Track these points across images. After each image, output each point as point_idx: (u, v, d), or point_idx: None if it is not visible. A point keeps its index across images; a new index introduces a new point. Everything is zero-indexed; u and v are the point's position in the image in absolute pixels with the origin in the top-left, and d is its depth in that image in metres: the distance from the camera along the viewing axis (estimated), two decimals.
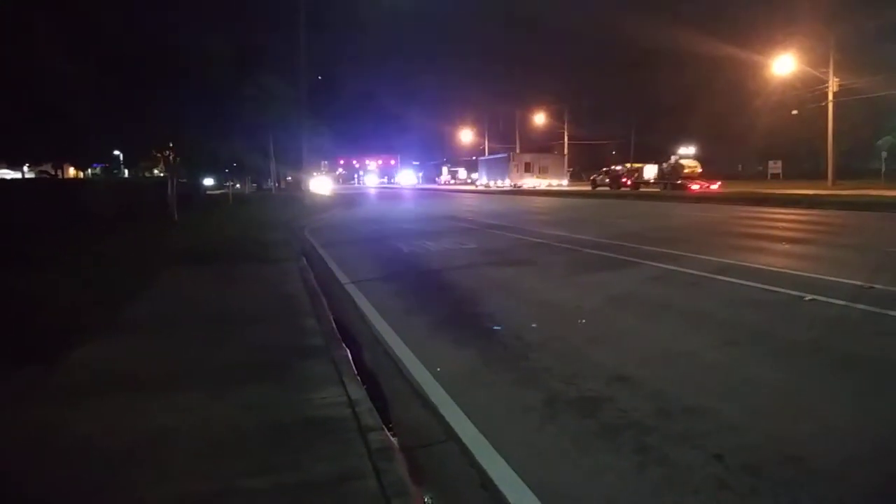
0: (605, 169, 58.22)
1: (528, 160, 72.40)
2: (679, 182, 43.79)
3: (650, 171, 50.46)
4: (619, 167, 56.61)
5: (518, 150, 77.91)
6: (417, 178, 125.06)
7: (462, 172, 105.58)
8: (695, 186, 41.38)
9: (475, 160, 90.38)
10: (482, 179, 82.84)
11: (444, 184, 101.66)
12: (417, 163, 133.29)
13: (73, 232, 16.06)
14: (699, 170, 45.32)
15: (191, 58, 17.64)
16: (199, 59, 17.98)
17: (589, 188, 55.94)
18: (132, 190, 30.46)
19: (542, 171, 70.35)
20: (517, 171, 71.61)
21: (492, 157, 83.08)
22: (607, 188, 52.77)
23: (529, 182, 67.83)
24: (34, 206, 17.90)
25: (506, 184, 71.98)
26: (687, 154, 49.77)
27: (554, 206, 33.22)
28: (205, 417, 4.28)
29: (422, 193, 61.68)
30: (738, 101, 58.14)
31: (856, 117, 43.55)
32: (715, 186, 40.88)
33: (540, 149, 77.39)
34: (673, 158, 47.93)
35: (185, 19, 17.63)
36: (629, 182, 51.37)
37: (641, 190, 47.54)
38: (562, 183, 69.15)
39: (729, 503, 3.22)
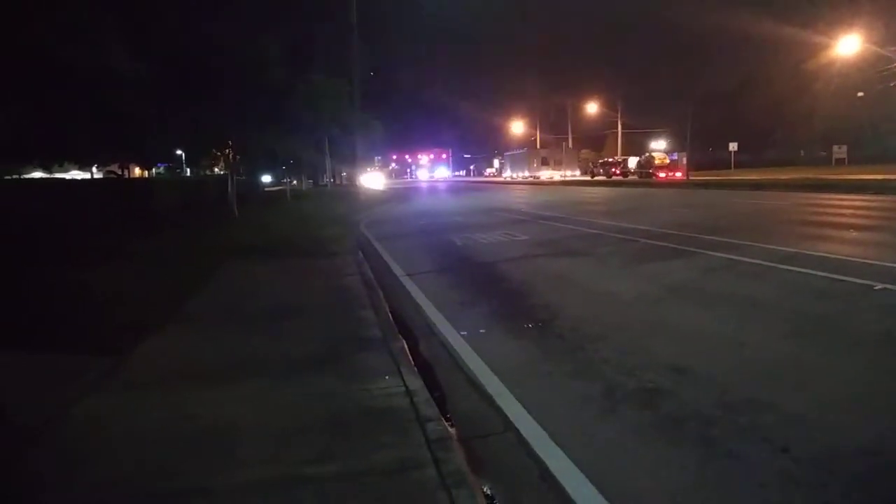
0: (601, 161, 70.38)
1: (544, 155, 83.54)
2: (650, 171, 54.30)
3: (633, 163, 60.18)
4: (610, 160, 67.96)
5: (570, 143, 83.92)
6: (450, 171, 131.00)
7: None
8: (662, 175, 52.24)
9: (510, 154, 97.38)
10: (507, 171, 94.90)
11: (489, 176, 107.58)
12: (469, 156, 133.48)
13: (139, 228, 16.67)
14: (667, 161, 55.55)
15: (248, 58, 18.01)
16: (255, 58, 18.35)
17: (588, 178, 66.43)
18: (194, 187, 31.41)
19: (557, 164, 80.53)
20: (535, 164, 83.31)
21: (515, 152, 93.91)
22: (603, 177, 62.24)
23: (545, 174, 78.46)
24: (103, 204, 18.65)
25: (525, 175, 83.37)
26: (658, 148, 62.67)
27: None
28: (268, 407, 4.40)
29: (462, 186, 64.73)
30: (798, 84, 56.06)
31: None
32: (679, 175, 49.60)
33: (590, 138, 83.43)
34: (647, 153, 59.26)
35: (241, 19, 17.98)
36: (618, 172, 61.66)
37: (626, 178, 57.19)
38: (575, 173, 77.26)
39: (798, 498, 3.13)
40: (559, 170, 78.72)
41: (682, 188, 36.27)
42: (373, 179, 69.45)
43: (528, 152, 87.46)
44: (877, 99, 43.57)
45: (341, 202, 31.84)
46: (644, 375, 4.87)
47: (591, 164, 74.00)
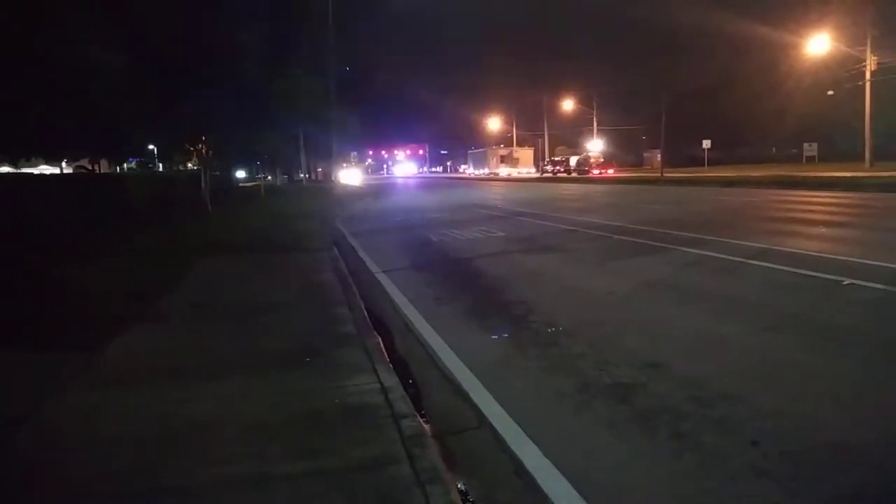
0: (549, 159, 76.73)
1: (503, 153, 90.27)
2: (587, 168, 62.22)
3: (573, 161, 67.16)
4: (556, 158, 74.98)
5: (546, 139, 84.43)
6: (425, 167, 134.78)
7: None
8: (596, 171, 59.48)
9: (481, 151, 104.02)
10: (470, 169, 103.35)
11: (461, 173, 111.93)
12: (446, 152, 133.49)
13: (111, 224, 16.41)
14: (601, 160, 64.36)
15: (222, 52, 17.82)
16: (230, 53, 18.15)
17: (534, 174, 74.80)
18: (166, 183, 30.94)
19: (514, 162, 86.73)
20: (494, 162, 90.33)
21: (477, 150, 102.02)
22: (550, 174, 68.47)
23: (504, 171, 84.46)
24: (73, 200, 18.29)
25: (486, 172, 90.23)
26: (594, 149, 70.24)
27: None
28: (241, 404, 4.36)
29: (432, 182, 66.71)
30: (771, 82, 56.87)
31: (894, 97, 42.16)
32: (610, 172, 58.88)
33: (569, 136, 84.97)
34: (585, 153, 67.59)
35: (215, 13, 17.77)
36: (562, 169, 67.95)
37: (568, 175, 63.30)
38: (531, 171, 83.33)
39: (767, 490, 3.17)
40: (516, 167, 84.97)
41: (657, 185, 36.59)
42: (350, 175, 69.35)
43: (487, 151, 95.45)
44: (846, 97, 44.27)
45: (317, 198, 31.65)
46: (618, 370, 4.91)
47: (541, 162, 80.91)
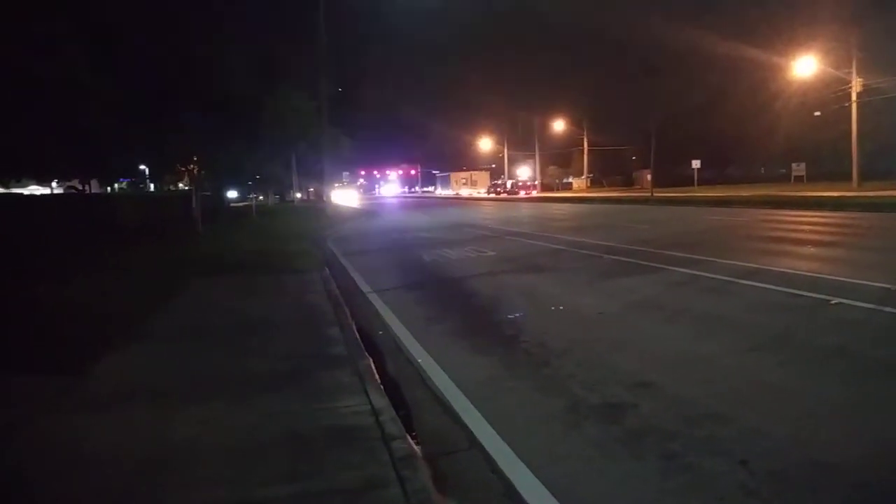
0: (495, 182, 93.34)
1: (464, 177, 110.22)
2: (516, 190, 79.04)
3: (509, 184, 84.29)
4: (498, 182, 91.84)
5: (537, 159, 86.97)
6: (412, 189, 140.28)
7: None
8: (522, 192, 76.06)
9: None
10: (438, 189, 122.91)
11: (431, 193, 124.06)
12: (437, 172, 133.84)
13: (101, 245, 16.36)
14: (527, 183, 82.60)
15: (214, 73, 17.89)
16: (222, 74, 18.22)
17: (486, 194, 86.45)
18: (157, 203, 30.97)
19: (473, 184, 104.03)
20: (457, 183, 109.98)
21: (443, 174, 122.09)
22: (494, 194, 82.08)
23: (465, 191, 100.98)
24: (63, 220, 18.26)
25: (450, 192, 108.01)
26: (522, 175, 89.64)
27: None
28: (229, 426, 4.34)
29: (414, 203, 67.92)
30: (759, 103, 57.49)
31: (881, 118, 42.64)
32: (533, 193, 75.81)
33: (557, 155, 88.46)
34: (515, 179, 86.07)
35: (207, 35, 17.86)
36: (501, 190, 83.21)
37: (499, 195, 78.47)
38: (481, 191, 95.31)
39: None
40: (475, 188, 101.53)
41: (643, 204, 36.81)
42: (343, 196, 69.50)
43: (451, 175, 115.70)
44: (833, 118, 44.79)
45: (308, 218, 31.65)
46: (608, 390, 4.93)
47: (491, 184, 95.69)
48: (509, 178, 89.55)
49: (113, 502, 3.38)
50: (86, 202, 26.64)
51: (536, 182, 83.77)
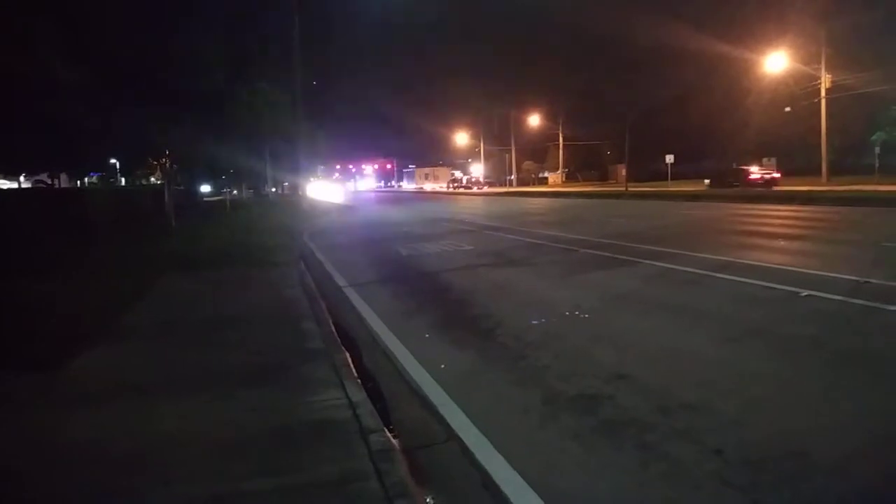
0: (453, 178, 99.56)
1: (426, 172, 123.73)
2: (470, 186, 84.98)
3: (464, 180, 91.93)
4: (455, 177, 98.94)
5: (513, 153, 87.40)
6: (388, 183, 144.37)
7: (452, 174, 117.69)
8: (475, 189, 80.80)
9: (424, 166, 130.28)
10: (404, 184, 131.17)
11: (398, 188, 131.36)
12: (413, 166, 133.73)
13: (72, 241, 16.06)
14: (481, 179, 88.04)
15: (186, 65, 17.66)
16: (194, 66, 17.99)
17: (445, 189, 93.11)
18: (129, 198, 30.43)
19: (435, 179, 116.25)
20: (420, 179, 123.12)
21: (408, 170, 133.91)
22: (452, 189, 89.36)
23: (427, 186, 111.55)
24: (32, 215, 17.89)
25: (414, 186, 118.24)
26: (475, 172, 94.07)
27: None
28: (207, 421, 4.29)
29: (388, 197, 68.59)
30: (731, 98, 58.19)
31: (849, 113, 43.41)
32: (485, 188, 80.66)
33: (532, 150, 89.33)
34: (469, 175, 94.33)
35: (180, 28, 17.62)
36: (457, 186, 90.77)
37: (455, 190, 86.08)
38: (442, 186, 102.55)
39: (730, 498, 3.24)
40: (437, 183, 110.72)
41: (617, 199, 37.10)
42: (321, 190, 69.11)
43: (415, 171, 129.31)
44: (803, 114, 45.49)
45: (283, 212, 31.40)
46: (585, 382, 4.96)
47: (449, 180, 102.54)
48: (473, 174, 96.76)
49: (93, 499, 3.33)
50: (56, 196, 26.16)
51: (485, 179, 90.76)
